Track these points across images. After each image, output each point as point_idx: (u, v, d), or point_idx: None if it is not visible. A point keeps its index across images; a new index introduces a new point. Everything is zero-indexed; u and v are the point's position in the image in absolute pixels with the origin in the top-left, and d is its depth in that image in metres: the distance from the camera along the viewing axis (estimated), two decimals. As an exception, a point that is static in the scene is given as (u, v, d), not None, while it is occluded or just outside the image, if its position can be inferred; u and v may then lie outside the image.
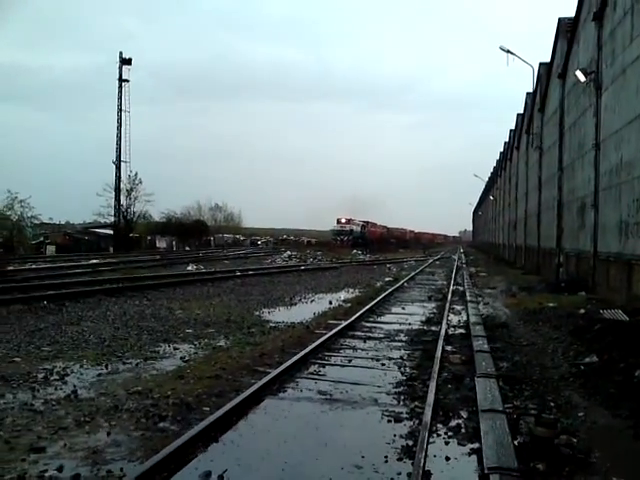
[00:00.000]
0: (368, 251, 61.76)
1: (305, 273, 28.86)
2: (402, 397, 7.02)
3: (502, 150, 57.79)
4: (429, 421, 5.71)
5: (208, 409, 6.30)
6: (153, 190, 51.72)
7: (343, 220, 75.13)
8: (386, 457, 5.04)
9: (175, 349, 9.77)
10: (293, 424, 6.02)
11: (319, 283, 23.44)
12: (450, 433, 5.73)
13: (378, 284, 23.65)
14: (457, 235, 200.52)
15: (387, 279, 26.17)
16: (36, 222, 45.75)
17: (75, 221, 66.39)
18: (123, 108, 46.46)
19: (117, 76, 46.09)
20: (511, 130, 48.80)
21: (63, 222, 63.81)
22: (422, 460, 4.72)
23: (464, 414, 6.35)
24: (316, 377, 7.96)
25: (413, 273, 29.45)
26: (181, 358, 9.07)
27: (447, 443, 5.47)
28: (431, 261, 45.96)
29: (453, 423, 6.04)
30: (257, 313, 14.49)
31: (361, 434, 5.75)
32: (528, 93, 36.81)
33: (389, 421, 6.09)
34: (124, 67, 45.54)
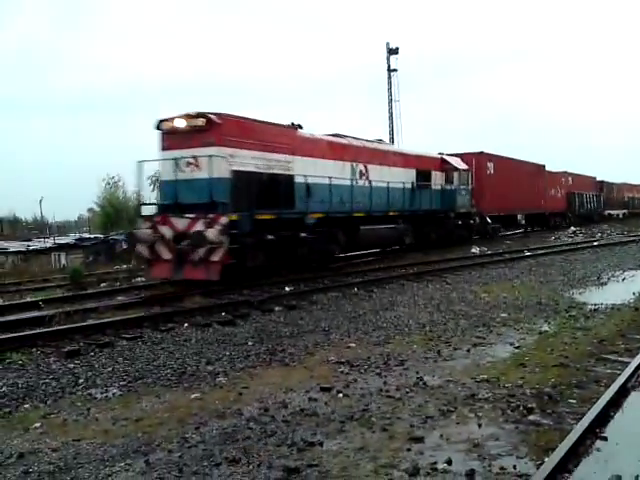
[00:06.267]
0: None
1: (600, 249, 26.29)
2: None
3: None
4: None
5: (574, 402, 5.79)
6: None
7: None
8: None
9: (498, 334, 9.39)
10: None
11: (622, 259, 21.12)
12: None
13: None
14: None
15: None
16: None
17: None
18: (393, 98, 47.15)
19: (385, 67, 46.95)
20: None
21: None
22: None
23: None
24: (684, 368, 6.89)
25: None
26: (510, 344, 8.66)
27: None
28: None
29: None
30: (567, 294, 13.45)
31: None
32: None
33: None
34: (391, 57, 46.20)
